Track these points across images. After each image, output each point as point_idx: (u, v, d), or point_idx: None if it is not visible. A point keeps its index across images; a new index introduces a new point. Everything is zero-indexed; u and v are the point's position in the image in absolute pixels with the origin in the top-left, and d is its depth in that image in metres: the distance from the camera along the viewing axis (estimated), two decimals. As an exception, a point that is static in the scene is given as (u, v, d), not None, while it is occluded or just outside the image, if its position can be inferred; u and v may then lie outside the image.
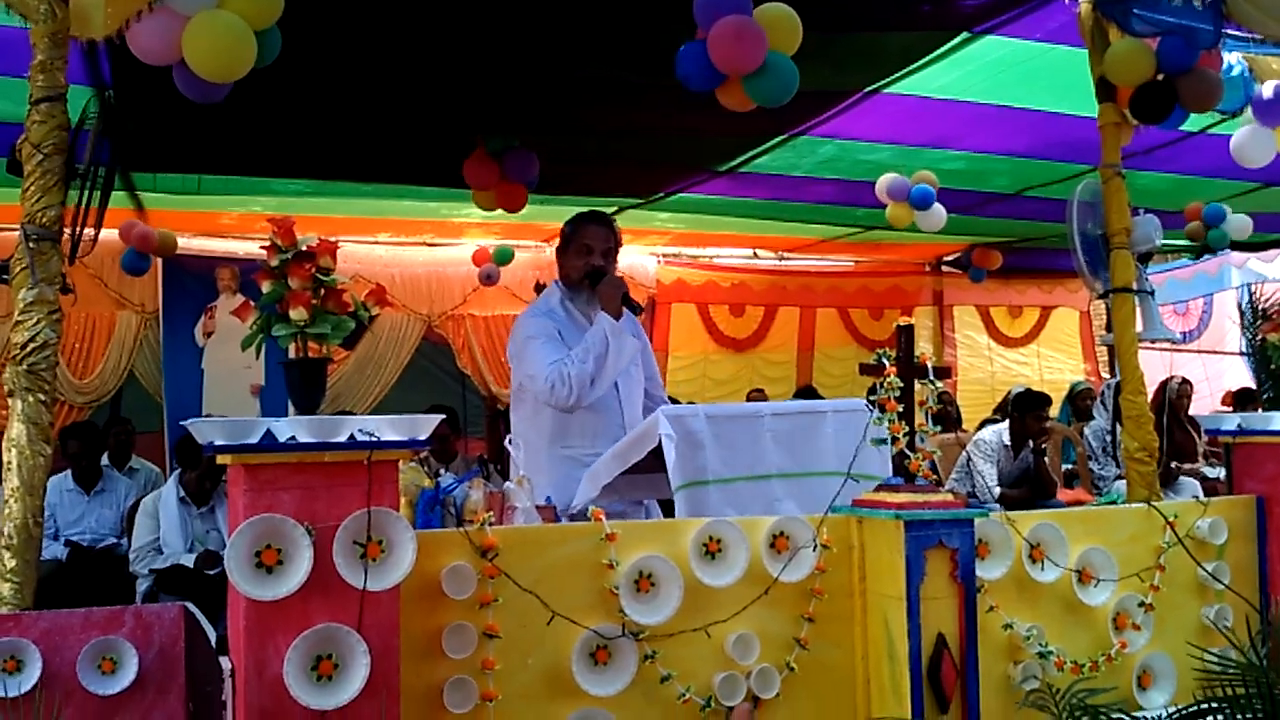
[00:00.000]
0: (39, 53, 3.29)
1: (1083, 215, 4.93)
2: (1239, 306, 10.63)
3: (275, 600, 2.68)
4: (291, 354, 2.96)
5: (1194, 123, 5.82)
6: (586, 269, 4.34)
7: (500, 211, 7.07)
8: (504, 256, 10.24)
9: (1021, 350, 12.76)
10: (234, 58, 3.57)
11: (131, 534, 6.20)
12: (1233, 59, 5.16)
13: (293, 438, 2.69)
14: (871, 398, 3.48)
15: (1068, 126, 6.51)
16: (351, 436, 2.74)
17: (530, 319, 4.35)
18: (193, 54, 3.53)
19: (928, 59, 5.64)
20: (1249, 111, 5.40)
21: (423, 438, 2.82)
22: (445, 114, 6.38)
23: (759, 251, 11.53)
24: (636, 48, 5.37)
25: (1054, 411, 9.36)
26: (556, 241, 4.59)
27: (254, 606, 2.69)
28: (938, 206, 7.77)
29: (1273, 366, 4.52)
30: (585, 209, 4.69)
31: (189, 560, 5.90)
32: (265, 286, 2.87)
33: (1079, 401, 9.67)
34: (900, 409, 3.42)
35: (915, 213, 7.73)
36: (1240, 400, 10.00)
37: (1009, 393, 10.94)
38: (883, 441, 3.44)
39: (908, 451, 3.40)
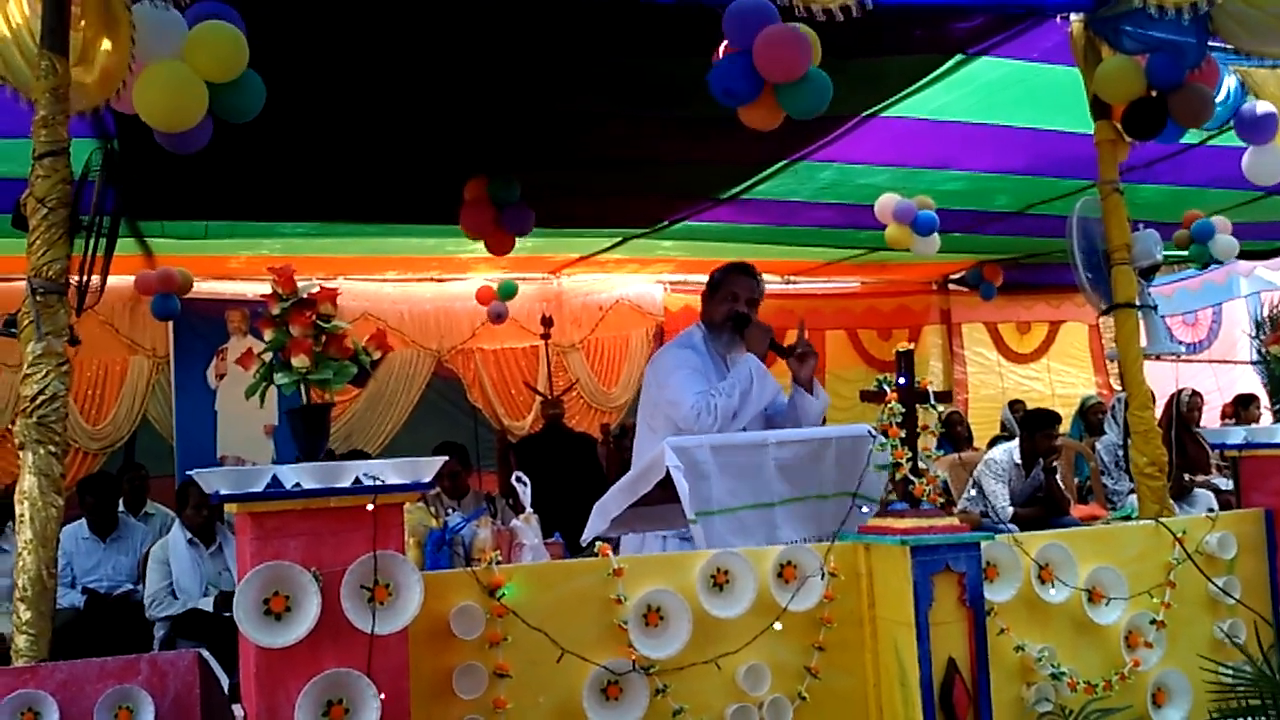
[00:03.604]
0: (40, 108, 3.32)
1: (1083, 232, 4.94)
2: (1251, 317, 10.64)
3: (285, 647, 2.69)
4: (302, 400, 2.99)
5: (1194, 135, 5.83)
6: (730, 314, 4.50)
7: (507, 244, 7.15)
8: (508, 291, 10.29)
9: (1032, 366, 12.74)
10: (182, 107, 3.62)
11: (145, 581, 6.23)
12: (1227, 79, 5.18)
13: (298, 484, 2.71)
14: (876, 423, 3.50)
15: (1066, 144, 6.52)
16: (356, 481, 2.76)
17: (676, 350, 4.50)
18: (141, 102, 3.59)
19: (924, 81, 5.66)
20: (1234, 124, 5.43)
21: (426, 480, 2.84)
22: (446, 152, 6.43)
23: (765, 275, 11.53)
24: (638, 80, 5.42)
25: (1065, 426, 9.35)
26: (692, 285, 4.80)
27: (263, 654, 2.70)
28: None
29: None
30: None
31: (207, 604, 5.93)
32: (267, 334, 2.90)
33: (1090, 416, 9.65)
34: (903, 434, 3.43)
35: (915, 237, 7.76)
36: (1242, 403, 9.97)
37: (1003, 410, 10.96)
38: (888, 468, 3.45)
39: (912, 477, 3.41)
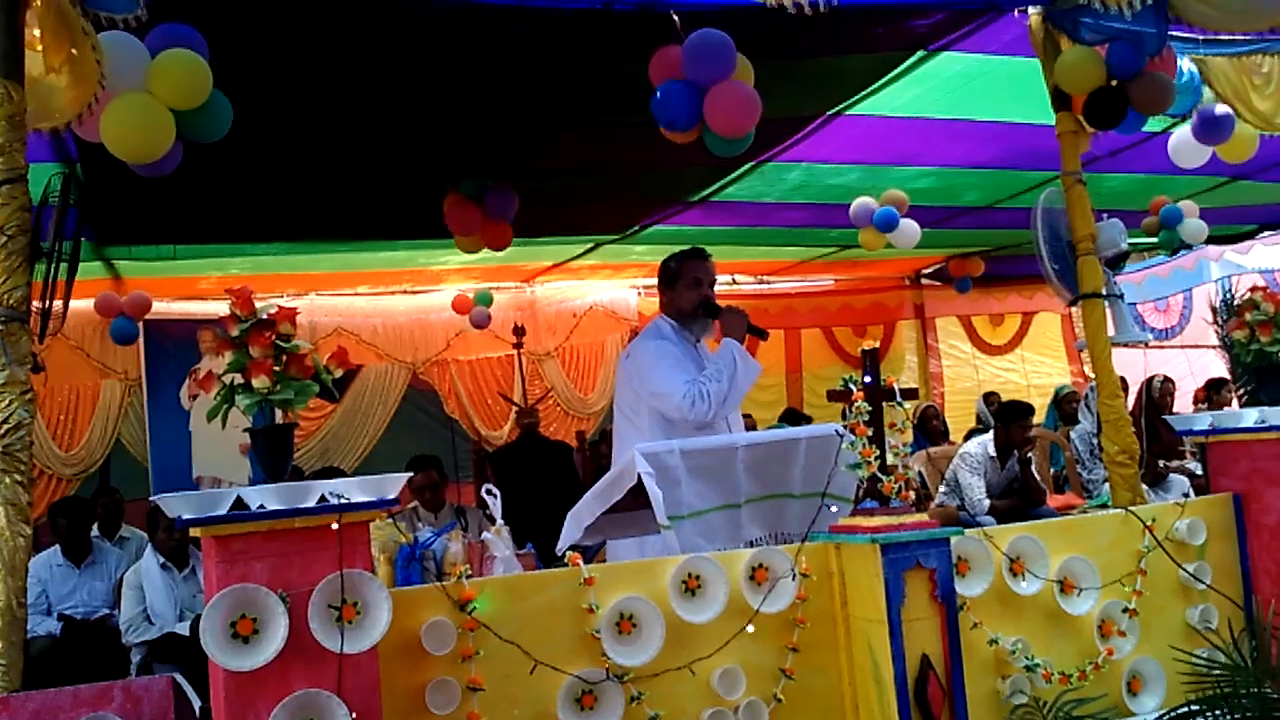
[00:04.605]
0: (-3, 136, 3.30)
1: (1047, 224, 4.96)
2: (1209, 304, 10.72)
3: (254, 670, 2.68)
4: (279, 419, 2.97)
5: (1158, 123, 5.87)
6: (700, 300, 4.53)
7: (479, 256, 7.13)
8: (485, 298, 10.29)
9: (1007, 357, 12.80)
10: (150, 138, 3.63)
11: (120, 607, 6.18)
12: (1184, 64, 5.22)
13: (262, 505, 2.70)
14: (845, 421, 3.51)
15: (1031, 136, 6.55)
16: (321, 500, 2.75)
17: (653, 343, 4.49)
18: (109, 135, 3.59)
19: (887, 78, 5.68)
20: (1194, 121, 5.50)
21: (391, 496, 2.83)
22: (416, 165, 6.42)
23: (738, 277, 11.57)
24: (601, 85, 5.42)
25: (1040, 417, 9.38)
26: (654, 278, 4.96)
27: (233, 677, 2.69)
28: (907, 223, 7.83)
29: (1245, 361, 4.53)
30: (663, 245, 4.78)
31: (183, 629, 5.89)
32: (226, 356, 2.89)
33: (1065, 405, 9.67)
34: (870, 433, 3.43)
35: (886, 235, 7.80)
36: (1213, 388, 10.03)
37: (978, 402, 10.99)
38: (857, 466, 3.45)
39: (880, 475, 3.41)
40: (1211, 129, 5.51)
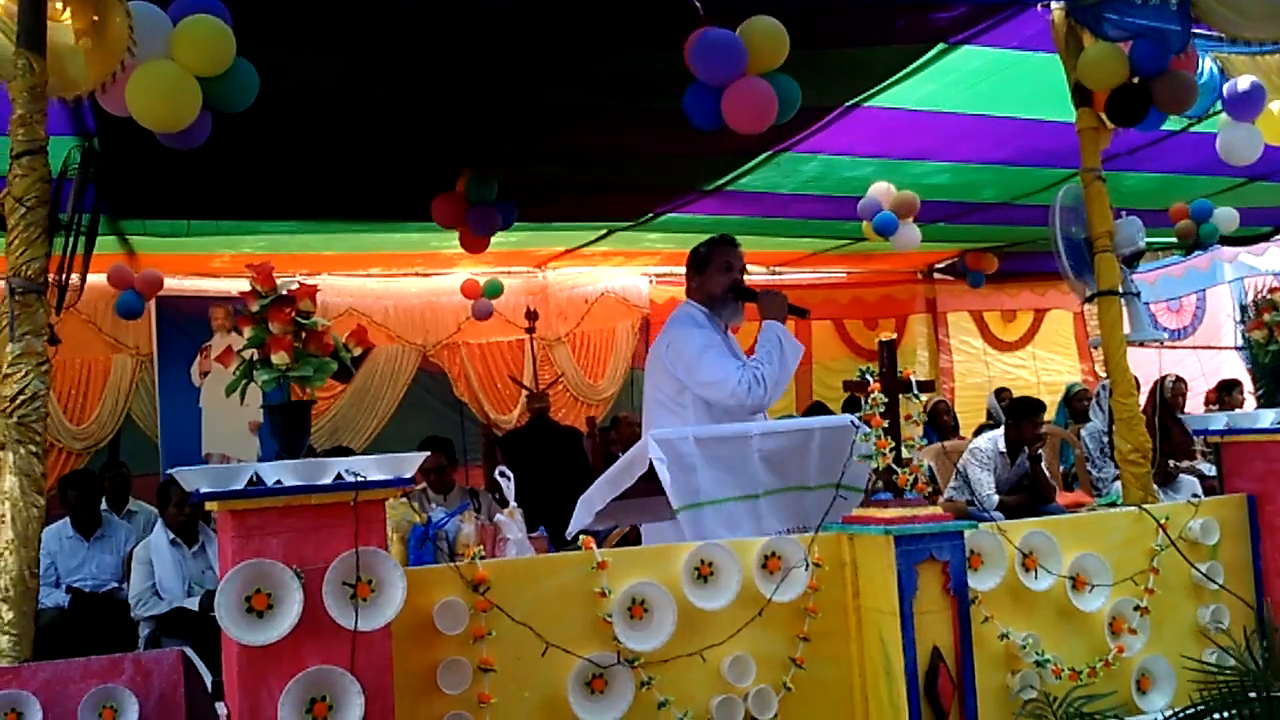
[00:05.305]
0: (18, 107, 3.30)
1: (1065, 220, 4.94)
2: (1235, 303, 10.71)
3: (267, 645, 2.69)
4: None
5: (1176, 122, 5.84)
6: (731, 285, 4.52)
7: (492, 240, 7.12)
8: (494, 290, 10.28)
9: (1018, 353, 12.76)
10: (176, 106, 3.62)
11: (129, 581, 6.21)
12: (1206, 64, 5.19)
13: (279, 481, 2.70)
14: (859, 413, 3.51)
15: (1049, 132, 6.53)
16: (338, 477, 2.75)
17: (694, 330, 4.44)
18: (135, 104, 3.58)
19: (906, 71, 5.66)
20: (1221, 108, 5.43)
21: (408, 475, 2.83)
22: (430, 148, 6.42)
23: (750, 267, 11.52)
24: (619, 73, 5.42)
25: (1050, 414, 9.37)
26: (678, 266, 4.86)
27: (246, 651, 2.70)
28: (906, 229, 7.82)
29: (1264, 362, 4.52)
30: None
31: (192, 604, 5.92)
32: (246, 331, 2.89)
33: (1075, 403, 9.66)
34: (886, 424, 3.43)
35: (885, 238, 7.81)
36: (1225, 389, 10.01)
37: (989, 398, 10.98)
38: (870, 457, 3.45)
39: (895, 466, 3.41)
40: (1244, 104, 5.42)
